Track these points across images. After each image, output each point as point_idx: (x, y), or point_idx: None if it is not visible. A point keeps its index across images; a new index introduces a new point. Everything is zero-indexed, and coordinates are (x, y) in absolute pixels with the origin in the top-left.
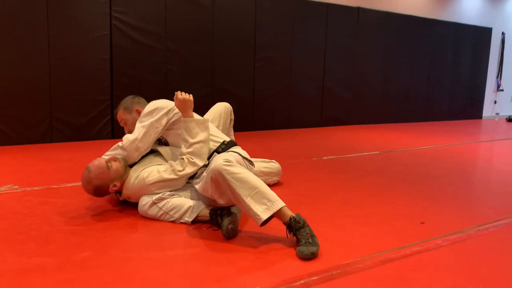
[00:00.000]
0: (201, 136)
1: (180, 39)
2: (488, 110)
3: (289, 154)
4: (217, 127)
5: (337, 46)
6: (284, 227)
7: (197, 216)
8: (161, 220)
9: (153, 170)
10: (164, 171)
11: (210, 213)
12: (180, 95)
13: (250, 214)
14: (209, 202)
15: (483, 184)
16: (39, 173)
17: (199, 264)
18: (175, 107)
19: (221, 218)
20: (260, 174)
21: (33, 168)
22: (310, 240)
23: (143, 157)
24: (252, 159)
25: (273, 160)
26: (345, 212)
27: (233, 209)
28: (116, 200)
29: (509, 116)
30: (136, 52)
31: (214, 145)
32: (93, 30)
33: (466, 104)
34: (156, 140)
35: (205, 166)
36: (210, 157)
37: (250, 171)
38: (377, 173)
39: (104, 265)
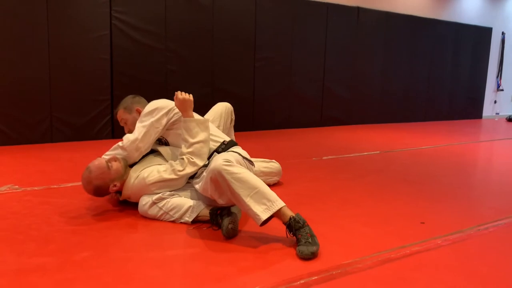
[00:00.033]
0: (201, 136)
1: (180, 39)
2: (488, 110)
3: (289, 154)
4: (218, 127)
5: (337, 46)
6: (284, 227)
7: (197, 216)
8: (161, 220)
9: (153, 170)
10: (164, 171)
11: (210, 213)
12: (180, 95)
13: (250, 214)
14: (209, 202)
15: (483, 184)
16: (39, 173)
17: (199, 264)
18: (175, 107)
19: (221, 218)
20: (260, 174)
21: (33, 168)
22: (310, 240)
23: (143, 157)
24: (252, 159)
25: (273, 160)
26: (345, 212)
27: (233, 209)
28: (116, 200)
29: (509, 116)
30: (136, 52)
31: (214, 145)
32: (93, 30)
33: (466, 104)
34: (156, 140)
35: (205, 166)
36: (210, 157)
37: (250, 171)
38: (377, 173)
39: (104, 265)
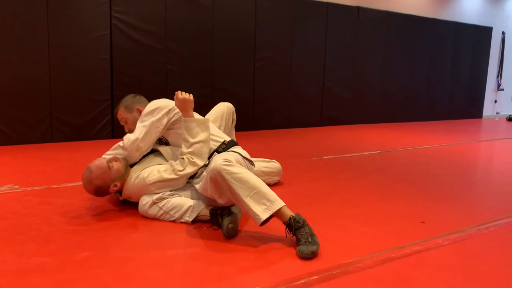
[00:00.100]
0: (202, 136)
1: (180, 39)
2: (488, 109)
3: (289, 154)
4: (219, 127)
5: (337, 45)
6: (284, 227)
7: (197, 216)
8: (162, 220)
9: (153, 170)
10: (165, 171)
11: (210, 213)
12: (181, 94)
13: (249, 214)
14: (209, 202)
15: (484, 183)
16: (39, 173)
17: (199, 264)
18: (176, 106)
19: (222, 217)
20: (260, 174)
21: (33, 168)
22: (309, 239)
23: (143, 156)
24: (253, 159)
25: (274, 160)
26: (346, 211)
27: (233, 209)
28: (116, 200)
29: (510, 116)
30: (136, 52)
31: (214, 145)
32: (93, 30)
33: (466, 103)
34: (157, 140)
35: (206, 166)
36: (210, 156)
37: (250, 171)
38: (377, 173)
39: (104, 265)
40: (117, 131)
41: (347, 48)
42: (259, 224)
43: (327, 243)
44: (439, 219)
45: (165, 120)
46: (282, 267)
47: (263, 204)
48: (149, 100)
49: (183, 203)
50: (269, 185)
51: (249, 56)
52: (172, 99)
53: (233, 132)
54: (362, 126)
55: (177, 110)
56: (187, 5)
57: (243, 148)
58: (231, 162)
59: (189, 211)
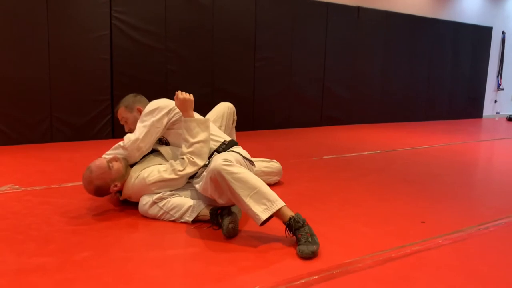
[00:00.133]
0: (202, 135)
1: (180, 39)
2: (488, 109)
3: (289, 154)
4: (220, 127)
5: (337, 45)
6: (284, 227)
7: (197, 216)
8: (162, 220)
9: (153, 170)
10: (165, 170)
11: (210, 213)
12: (181, 94)
13: (249, 214)
14: (210, 202)
15: (484, 183)
16: (39, 173)
17: (199, 264)
18: (176, 106)
19: (222, 217)
20: (260, 174)
21: (33, 168)
22: (309, 239)
23: (143, 156)
24: (253, 159)
25: (274, 160)
26: (346, 211)
27: (233, 209)
28: (116, 200)
29: (510, 115)
30: (136, 52)
31: (214, 145)
32: (93, 30)
33: (467, 103)
34: (157, 140)
35: (206, 165)
36: (210, 156)
37: (250, 171)
38: (378, 173)
39: (105, 265)
40: (117, 131)
41: (347, 48)
42: (259, 224)
43: (327, 243)
44: (439, 219)
45: (165, 120)
46: (282, 267)
47: (263, 204)
48: (149, 100)
49: (183, 203)
50: (269, 185)
51: (249, 56)
52: (172, 99)
53: (234, 132)
54: (362, 126)
55: (177, 110)
56: (187, 5)
57: (243, 148)
58: (231, 162)
59: (189, 211)
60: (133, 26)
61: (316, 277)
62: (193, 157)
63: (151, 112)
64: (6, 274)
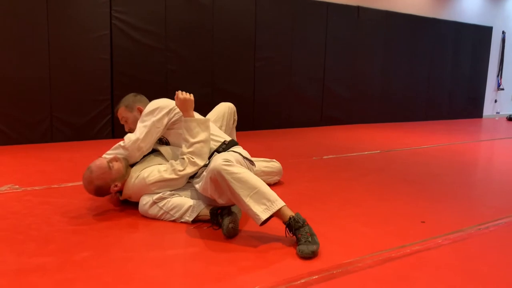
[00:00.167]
0: (202, 135)
1: (180, 39)
2: (488, 109)
3: (289, 154)
4: (220, 127)
5: (337, 45)
6: (284, 226)
7: (197, 216)
8: (162, 220)
9: (153, 170)
10: (165, 170)
11: (210, 213)
12: (181, 94)
13: (249, 214)
14: (210, 202)
15: (484, 183)
16: (39, 173)
17: (199, 264)
18: (176, 106)
19: (222, 217)
20: (260, 174)
21: (33, 168)
22: (309, 239)
23: (144, 156)
24: (253, 159)
25: (274, 160)
26: (346, 211)
27: (233, 209)
28: (116, 200)
29: (510, 115)
30: (136, 52)
31: (215, 145)
32: (93, 30)
33: (467, 103)
34: (157, 140)
35: (206, 165)
36: (210, 156)
37: (250, 170)
38: (378, 172)
39: (105, 265)
40: (117, 131)
41: (347, 48)
42: (259, 224)
43: (327, 243)
44: (439, 219)
45: (165, 120)
46: (282, 267)
47: (263, 204)
48: (150, 100)
49: (183, 203)
50: (269, 184)
51: (249, 56)
52: (173, 99)
53: (234, 132)
54: (362, 126)
55: (177, 110)
56: (187, 5)
57: (244, 148)
58: (231, 162)
59: (189, 211)
60: (133, 26)
61: (316, 277)
62: (193, 157)
63: (152, 112)
64: (6, 274)
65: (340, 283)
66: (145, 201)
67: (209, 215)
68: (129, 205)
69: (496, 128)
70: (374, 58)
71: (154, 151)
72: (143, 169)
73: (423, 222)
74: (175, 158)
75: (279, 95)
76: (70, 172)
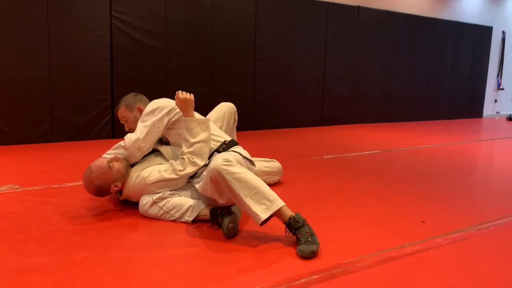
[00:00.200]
0: (202, 135)
1: (180, 39)
2: (488, 109)
3: (289, 153)
4: (221, 127)
5: (337, 45)
6: (284, 226)
7: (197, 216)
8: (162, 220)
9: (153, 170)
10: (165, 170)
11: (210, 212)
12: (181, 94)
13: (249, 214)
14: (210, 202)
15: (484, 183)
16: (39, 173)
17: (199, 264)
18: (176, 106)
19: (222, 217)
20: (261, 174)
21: (33, 168)
22: (309, 239)
23: (144, 156)
24: (253, 159)
25: (274, 160)
26: (346, 211)
27: (233, 209)
28: (116, 200)
29: (510, 115)
30: (136, 51)
31: (215, 145)
32: (93, 30)
33: (467, 103)
34: (157, 139)
35: (206, 165)
36: (211, 156)
37: (250, 170)
38: (378, 172)
39: (105, 264)
40: (117, 131)
41: (347, 48)
42: (259, 224)
43: (327, 243)
44: (439, 219)
45: (165, 120)
46: (282, 267)
47: (263, 204)
48: (150, 100)
49: (183, 202)
50: (269, 184)
51: (249, 56)
52: (173, 98)
53: (234, 132)
54: (362, 125)
55: (178, 110)
56: (187, 4)
57: (244, 148)
58: (231, 162)
59: (189, 211)
60: (133, 25)
61: (316, 276)
62: (193, 157)
63: (152, 112)
64: (6, 274)
65: (340, 283)
66: (145, 201)
67: (209, 215)
68: (129, 205)
69: (496, 128)
70: (374, 58)
71: (154, 151)
72: (143, 169)
73: (423, 222)
74: (175, 158)
75: (279, 95)
76: (70, 172)
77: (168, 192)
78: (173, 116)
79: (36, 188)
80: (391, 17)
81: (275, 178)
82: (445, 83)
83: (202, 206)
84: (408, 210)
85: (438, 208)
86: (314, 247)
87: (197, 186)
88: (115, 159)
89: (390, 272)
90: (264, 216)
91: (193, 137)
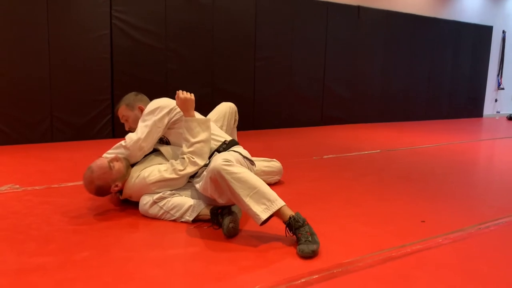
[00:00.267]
0: (202, 135)
1: (180, 39)
2: (488, 108)
3: (290, 153)
4: (221, 127)
5: (337, 45)
6: (284, 226)
7: (197, 215)
8: (162, 219)
9: (154, 170)
10: (165, 170)
11: (210, 212)
12: (182, 94)
13: (249, 214)
14: (210, 201)
15: (484, 182)
16: (39, 173)
17: (199, 263)
18: (177, 106)
19: (222, 217)
20: (261, 173)
21: (33, 167)
22: (310, 238)
23: (144, 156)
24: (253, 158)
25: (274, 159)
26: (346, 211)
27: (233, 208)
28: (117, 200)
29: (510, 115)
30: (136, 51)
31: (215, 144)
32: (94, 30)
33: (467, 102)
34: (158, 139)
35: (206, 165)
36: (211, 156)
37: (250, 170)
38: (378, 172)
39: (105, 264)
40: (118, 131)
41: (347, 48)
42: (259, 223)
43: (328, 242)
44: (439, 218)
45: (166, 120)
46: (283, 266)
47: (263, 204)
48: (150, 100)
49: (184, 202)
50: (269, 184)
51: (249, 55)
52: (173, 98)
53: (235, 132)
54: (362, 125)
55: (178, 109)
56: (187, 4)
57: (244, 148)
58: (231, 162)
59: (190, 211)
60: (133, 25)
61: (317, 276)
62: (193, 156)
63: (153, 111)
64: (6, 273)
65: (340, 282)
66: (146, 200)
67: (209, 214)
68: (129, 205)
69: (496, 127)
70: (374, 57)
71: (155, 151)
72: (144, 168)
73: (423, 221)
74: (176, 157)
75: (279, 95)
76: (70, 172)
77: (169, 192)
78: (174, 116)
79: (36, 188)
80: (391, 17)
81: (275, 178)
82: (445, 83)
83: (203, 206)
84: (408, 210)
85: (438, 207)
86: (314, 247)
87: (197, 186)
88: (116, 159)
89: (390, 271)
90: (264, 216)
91: (194, 137)
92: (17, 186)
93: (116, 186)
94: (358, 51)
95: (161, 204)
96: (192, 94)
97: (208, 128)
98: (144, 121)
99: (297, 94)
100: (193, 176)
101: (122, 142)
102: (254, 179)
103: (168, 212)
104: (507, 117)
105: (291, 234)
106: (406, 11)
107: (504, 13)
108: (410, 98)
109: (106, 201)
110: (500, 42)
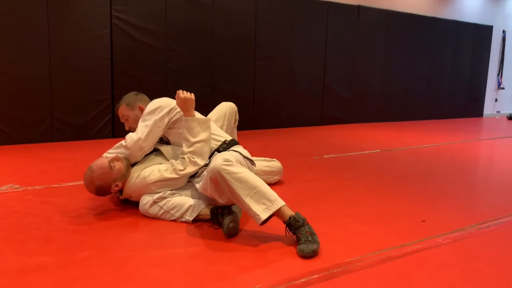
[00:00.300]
0: (202, 135)
1: (181, 38)
2: (489, 108)
3: (290, 153)
4: (222, 126)
5: (337, 44)
6: (284, 226)
7: (198, 215)
8: (162, 219)
9: (154, 169)
10: (165, 170)
11: (211, 212)
12: (182, 94)
13: (249, 214)
14: (210, 201)
15: (484, 182)
16: (39, 173)
17: (199, 263)
18: (177, 106)
19: (222, 216)
20: (261, 173)
21: (33, 167)
22: (310, 238)
23: (144, 156)
24: (253, 158)
25: (274, 159)
26: (346, 211)
27: (234, 208)
28: (117, 199)
29: (510, 114)
30: (136, 51)
31: (215, 144)
32: (94, 30)
33: (467, 102)
34: (158, 139)
35: (206, 165)
36: (211, 156)
37: (250, 170)
38: (378, 172)
39: (105, 264)
40: (118, 131)
41: (347, 48)
42: (259, 223)
43: (328, 242)
44: (439, 218)
45: (166, 119)
46: (283, 266)
47: (263, 203)
48: (150, 100)
49: (184, 202)
50: (270, 184)
51: (249, 55)
52: (173, 98)
53: (235, 132)
54: (362, 125)
55: (178, 109)
56: (187, 4)
57: (244, 148)
58: (231, 161)
59: (190, 210)
60: (134, 25)
61: (317, 276)
62: (193, 156)
63: (153, 111)
64: (6, 273)
65: (340, 282)
66: (146, 200)
67: (209, 214)
68: (129, 205)
69: (496, 127)
70: (374, 57)
71: (155, 151)
72: (144, 168)
73: (424, 221)
74: (176, 157)
75: (279, 95)
76: (70, 172)
77: (169, 192)
78: (174, 116)
79: (37, 187)
80: (391, 16)
81: (276, 178)
82: (445, 83)
83: (203, 205)
84: (408, 210)
85: (438, 207)
86: (314, 246)
87: (197, 185)
88: (116, 158)
89: (390, 271)
90: (264, 215)
91: (194, 136)
92: (17, 186)
93: (117, 186)
94: (358, 51)
95: (161, 204)
96: (192, 94)
97: (208, 127)
98: (144, 120)
99: (297, 94)
100: (193, 176)
101: (123, 142)
102: (254, 179)
103: (168, 212)
104: (507, 117)
105: (291, 234)
106: (406, 11)
107: (504, 12)
108: (410, 98)
109: (106, 201)
110: (500, 42)
